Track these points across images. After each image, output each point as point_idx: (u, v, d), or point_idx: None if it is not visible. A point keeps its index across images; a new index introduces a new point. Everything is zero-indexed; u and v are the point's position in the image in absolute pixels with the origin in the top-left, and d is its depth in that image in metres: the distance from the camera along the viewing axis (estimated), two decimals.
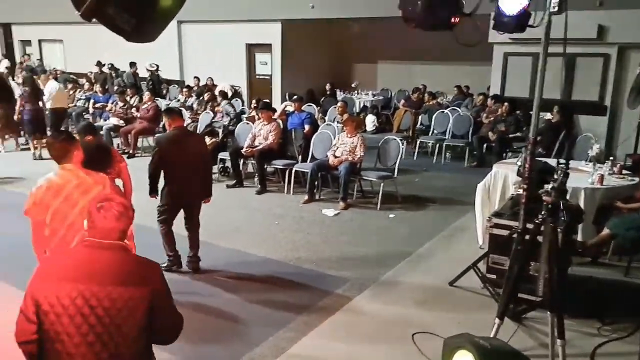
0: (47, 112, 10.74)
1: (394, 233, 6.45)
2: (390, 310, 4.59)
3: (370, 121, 12.62)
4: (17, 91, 10.78)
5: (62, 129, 8.74)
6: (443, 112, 10.85)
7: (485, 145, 9.81)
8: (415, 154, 10.49)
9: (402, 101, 12.44)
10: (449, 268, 5.16)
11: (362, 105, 13.68)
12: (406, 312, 4.54)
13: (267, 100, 11.03)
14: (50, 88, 11.02)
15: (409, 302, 4.72)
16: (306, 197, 7.55)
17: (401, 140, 7.93)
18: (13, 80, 13.29)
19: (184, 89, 13.19)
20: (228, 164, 8.68)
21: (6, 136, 10.89)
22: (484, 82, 12.48)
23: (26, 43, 20.32)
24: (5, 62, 18.38)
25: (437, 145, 10.33)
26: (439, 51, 13.08)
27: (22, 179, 8.41)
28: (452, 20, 3.76)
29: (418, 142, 10.69)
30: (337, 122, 9.29)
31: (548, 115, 9.09)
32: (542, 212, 3.63)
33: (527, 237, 3.84)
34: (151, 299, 2.15)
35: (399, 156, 7.63)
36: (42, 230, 3.33)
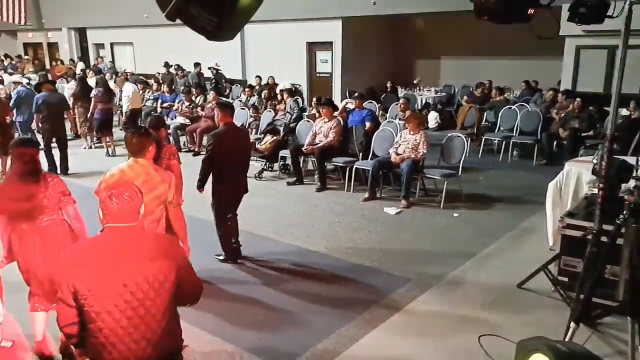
0: (126, 112, 11.26)
1: (458, 232, 6.27)
2: (455, 310, 4.46)
3: (433, 118, 12.36)
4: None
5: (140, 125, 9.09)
6: (510, 108, 10.45)
7: (555, 143, 9.38)
8: (480, 151, 10.17)
9: (465, 97, 12.11)
10: (517, 269, 4.96)
11: (424, 102, 13.44)
12: (471, 313, 4.39)
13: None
14: (127, 90, 11.55)
15: (474, 303, 4.57)
16: (367, 194, 7.48)
17: (466, 137, 7.71)
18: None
19: (246, 89, 13.42)
20: (288, 161, 8.74)
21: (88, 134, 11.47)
22: (554, 77, 11.95)
23: (99, 46, 21.35)
24: (81, 65, 19.41)
25: (504, 142, 9.97)
26: (506, 45, 12.69)
27: (94, 174, 8.86)
28: (529, 12, 3.60)
29: (483, 139, 10.36)
30: (399, 119, 9.16)
31: (624, 111, 8.57)
32: (624, 213, 3.40)
33: (603, 238, 3.62)
34: (177, 270, 2.33)
35: (464, 154, 7.41)
36: None
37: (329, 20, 14.07)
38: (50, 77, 13.89)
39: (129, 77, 15.45)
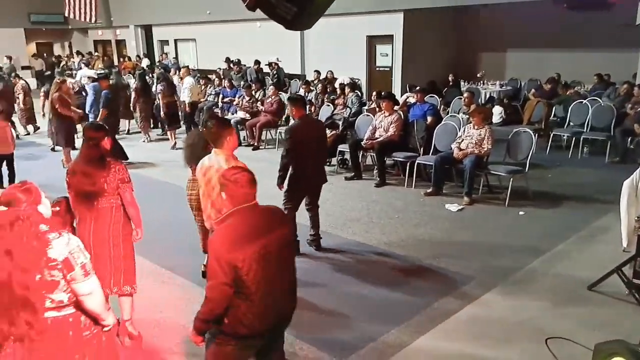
0: (187, 103, 11.58)
1: (524, 231, 6.02)
2: (521, 311, 4.27)
3: (497, 112, 11.94)
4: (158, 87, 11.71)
5: (220, 116, 9.33)
6: (581, 102, 9.93)
7: (629, 139, 8.84)
8: (548, 148, 9.71)
9: (533, 91, 11.61)
10: (588, 271, 4.71)
11: (488, 96, 13.02)
12: (539, 315, 4.20)
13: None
14: (187, 83, 11.88)
15: (541, 304, 4.37)
16: (430, 189, 7.32)
17: (533, 132, 7.39)
18: (151, 77, 14.42)
19: (303, 85, 13.45)
20: (347, 156, 8.68)
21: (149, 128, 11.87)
22: (628, 70, 11.27)
23: (164, 43, 22.04)
24: (146, 61, 20.11)
25: (574, 138, 9.48)
26: (577, 37, 12.09)
27: (156, 165, 9.20)
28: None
29: (551, 135, 9.90)
30: (463, 113, 8.89)
31: None
32: None
33: None
34: (292, 233, 2.93)
35: (531, 150, 7.10)
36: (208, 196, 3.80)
37: (391, 13, 13.87)
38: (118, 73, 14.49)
39: (191, 72, 15.87)
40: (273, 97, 11.08)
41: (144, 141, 11.65)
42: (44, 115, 10.23)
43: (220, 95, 13.55)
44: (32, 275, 2.21)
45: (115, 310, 2.73)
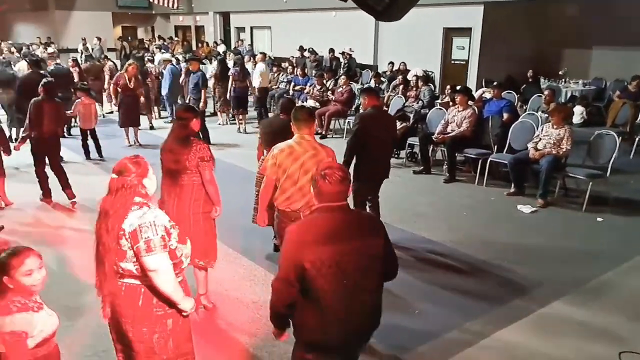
0: (257, 88, 11.84)
1: (601, 238, 5.71)
2: (593, 321, 4.08)
3: (579, 113, 11.33)
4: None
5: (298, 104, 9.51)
6: None
7: None
8: (633, 152, 9.12)
9: (618, 92, 10.93)
10: None
11: (569, 95, 12.39)
12: (612, 326, 4.00)
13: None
14: (259, 68, 12.12)
15: (616, 315, 4.15)
16: (512, 189, 7.08)
17: (617, 135, 6.96)
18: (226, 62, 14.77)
19: (374, 76, 13.33)
20: (416, 149, 8.54)
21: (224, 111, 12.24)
22: None
23: (240, 30, 22.49)
24: (222, 47, 20.60)
25: None
26: None
27: (225, 148, 9.48)
28: None
29: (637, 139, 9.29)
30: (541, 111, 8.52)
31: None
32: None
33: None
34: (384, 246, 2.47)
35: (614, 153, 6.70)
36: (272, 187, 3.81)
37: (471, 5, 13.45)
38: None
39: (265, 58, 16.12)
40: (344, 86, 11.07)
41: (219, 123, 12.03)
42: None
43: (292, 83, 13.71)
44: (112, 240, 2.37)
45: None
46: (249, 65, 13.71)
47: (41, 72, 9.11)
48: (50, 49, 16.75)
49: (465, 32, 14.06)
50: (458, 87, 8.83)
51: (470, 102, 8.20)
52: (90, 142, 8.74)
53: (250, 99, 12.28)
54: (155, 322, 2.49)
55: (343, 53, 15.55)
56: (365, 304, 2.45)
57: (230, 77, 11.32)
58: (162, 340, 2.52)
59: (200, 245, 3.82)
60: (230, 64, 12.56)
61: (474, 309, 4.25)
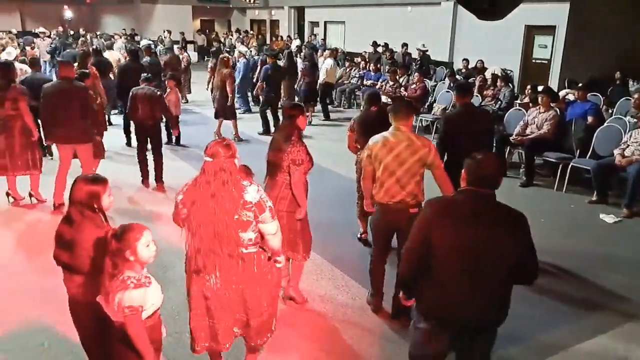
0: (321, 83, 11.93)
1: None
2: None
3: None
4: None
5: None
6: None
7: None
8: None
9: None
10: None
11: None
12: None
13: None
14: (327, 64, 12.16)
15: None
16: (594, 197, 6.71)
17: None
18: (297, 57, 14.90)
19: (449, 75, 12.99)
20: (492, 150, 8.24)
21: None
22: None
23: (314, 24, 22.63)
24: (296, 42, 20.81)
25: None
26: None
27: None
28: None
29: None
30: (630, 116, 7.98)
31: None
32: None
33: None
34: (520, 248, 2.43)
35: None
36: (371, 177, 3.89)
37: (556, 2, 12.82)
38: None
39: (338, 54, 16.13)
40: (418, 83, 10.88)
41: None
42: (211, 90, 11.02)
43: (364, 79, 13.62)
44: (231, 215, 2.68)
45: None
46: (320, 60, 13.81)
47: (139, 62, 9.80)
48: (144, 42, 17.54)
49: (549, 30, 13.42)
50: (540, 88, 8.44)
51: (552, 104, 7.81)
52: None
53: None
54: (262, 279, 2.89)
55: (418, 49, 15.26)
56: (488, 292, 2.45)
57: (301, 71, 11.44)
58: (269, 295, 2.96)
59: (284, 241, 3.93)
60: (299, 59, 12.69)
61: (566, 314, 4.17)
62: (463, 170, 2.52)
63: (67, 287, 2.84)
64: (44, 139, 6.35)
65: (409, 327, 3.00)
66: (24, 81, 7.08)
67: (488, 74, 11.97)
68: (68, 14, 26.35)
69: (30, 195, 6.19)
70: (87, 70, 7.38)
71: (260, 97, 10.67)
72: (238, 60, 13.03)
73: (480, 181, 2.44)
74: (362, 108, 5.51)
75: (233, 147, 2.76)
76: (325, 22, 21.92)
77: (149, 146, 6.94)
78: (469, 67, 13.75)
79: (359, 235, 5.40)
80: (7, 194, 6.14)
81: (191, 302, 2.89)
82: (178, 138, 9.08)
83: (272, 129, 9.99)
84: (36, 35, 17.74)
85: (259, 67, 11.89)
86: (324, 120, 11.78)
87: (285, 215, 3.90)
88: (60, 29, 21.27)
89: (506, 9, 2.35)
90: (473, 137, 4.90)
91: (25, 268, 4.71)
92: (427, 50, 15.14)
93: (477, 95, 10.09)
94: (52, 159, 7.30)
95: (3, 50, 13.31)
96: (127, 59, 10.37)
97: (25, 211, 6.05)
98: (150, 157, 6.93)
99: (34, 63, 8.27)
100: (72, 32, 21.25)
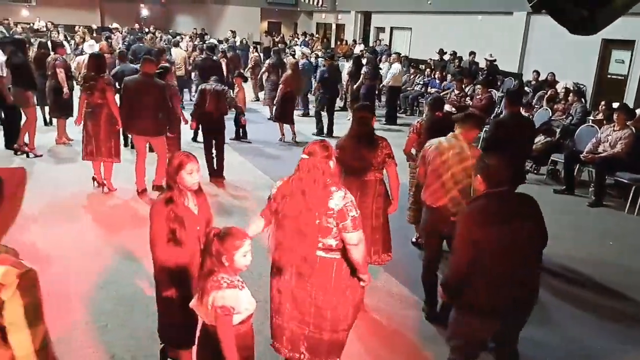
0: (385, 87, 11.91)
1: None
2: None
3: None
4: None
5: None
6: None
7: None
8: None
9: None
10: None
11: None
12: None
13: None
14: (394, 68, 12.09)
15: None
16: None
17: None
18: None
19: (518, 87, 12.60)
20: (560, 167, 7.93)
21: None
22: None
23: (380, 30, 22.55)
24: (360, 46, 20.79)
25: None
26: None
27: None
28: None
29: None
30: None
31: None
32: None
33: None
34: (539, 228, 2.78)
35: None
36: (422, 178, 3.99)
37: (637, 16, 12.14)
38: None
39: (401, 60, 15.99)
40: (483, 93, 10.60)
41: (348, 119, 12.18)
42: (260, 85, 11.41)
43: (428, 86, 13.43)
44: (313, 216, 2.67)
45: None
46: (384, 65, 13.73)
47: (214, 58, 10.47)
48: (211, 41, 18.13)
49: (627, 44, 12.75)
50: (615, 104, 8.03)
51: (627, 122, 7.41)
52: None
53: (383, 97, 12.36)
54: (341, 293, 2.82)
55: (486, 59, 14.89)
56: (523, 277, 2.72)
57: (362, 75, 11.47)
58: (344, 309, 2.85)
59: (379, 240, 4.06)
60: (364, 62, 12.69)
61: (629, 335, 4.00)
62: (480, 176, 2.78)
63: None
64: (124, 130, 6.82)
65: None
66: (115, 73, 7.57)
67: (559, 87, 11.54)
68: (144, 12, 27.50)
69: (100, 184, 6.52)
70: (168, 65, 7.74)
71: (316, 99, 10.92)
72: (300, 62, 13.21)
73: (499, 184, 2.73)
74: (424, 114, 5.46)
75: (330, 149, 2.79)
76: (392, 28, 21.78)
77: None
78: (539, 79, 13.28)
79: (413, 239, 5.40)
80: (93, 179, 6.56)
81: (271, 297, 2.92)
82: (245, 134, 9.38)
83: (326, 131, 10.30)
84: (110, 31, 18.69)
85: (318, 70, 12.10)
86: (385, 124, 11.77)
87: (381, 213, 4.04)
88: (137, 26, 22.22)
89: (604, 22, 2.24)
90: (517, 144, 5.11)
91: (103, 250, 4.93)
92: (494, 60, 14.75)
93: (546, 109, 9.74)
94: (129, 149, 7.78)
95: (83, 42, 14.14)
96: (204, 55, 10.88)
97: (108, 196, 6.41)
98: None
99: (123, 55, 8.75)
100: (146, 30, 22.16)
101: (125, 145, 7.90)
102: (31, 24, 21.78)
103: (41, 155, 7.75)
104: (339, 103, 13.12)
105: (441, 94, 12.12)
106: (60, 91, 8.24)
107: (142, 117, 6.11)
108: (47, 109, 9.20)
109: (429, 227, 3.98)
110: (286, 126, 9.79)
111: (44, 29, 20.40)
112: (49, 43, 10.23)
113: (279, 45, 19.04)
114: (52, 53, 9.09)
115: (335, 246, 2.73)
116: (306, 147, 2.79)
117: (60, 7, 24.69)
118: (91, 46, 12.13)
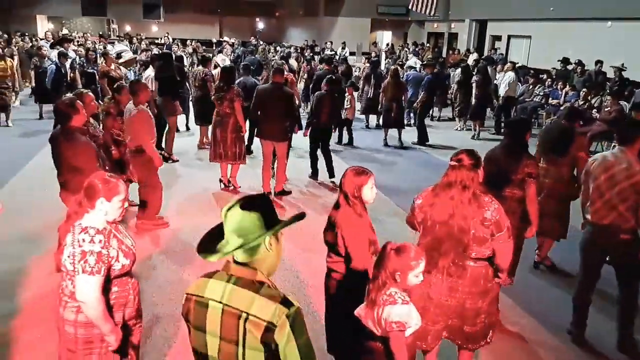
0: (502, 97, 11.47)
1: None
2: None
3: None
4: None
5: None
6: None
7: None
8: None
9: None
10: None
11: None
12: None
13: None
14: (508, 77, 11.55)
15: None
16: None
17: None
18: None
19: None
20: None
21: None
22: None
23: (496, 38, 21.65)
24: (474, 55, 20.05)
25: None
26: None
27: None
28: None
29: None
30: None
31: None
32: None
33: None
34: None
35: None
36: (586, 194, 3.82)
37: None
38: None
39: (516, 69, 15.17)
40: (613, 105, 9.73)
41: (456, 129, 11.95)
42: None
43: (549, 97, 12.63)
44: (468, 223, 2.75)
45: None
46: (499, 75, 13.11)
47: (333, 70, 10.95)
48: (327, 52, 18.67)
49: None
50: None
51: None
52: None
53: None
54: (485, 295, 2.93)
55: (619, 67, 13.66)
56: None
57: (474, 84, 11.16)
58: (488, 307, 2.96)
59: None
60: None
61: None
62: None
63: (327, 262, 3.13)
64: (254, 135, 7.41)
65: None
66: (238, 84, 8.21)
67: None
68: (260, 25, 28.80)
69: (228, 182, 7.15)
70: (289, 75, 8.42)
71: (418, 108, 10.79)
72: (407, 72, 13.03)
73: None
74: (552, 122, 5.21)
75: (477, 157, 2.85)
76: (509, 36, 20.83)
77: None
78: None
79: (536, 259, 5.19)
80: (220, 180, 7.17)
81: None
82: (350, 140, 9.89)
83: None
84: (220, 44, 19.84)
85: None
86: (493, 133, 11.37)
87: (514, 232, 3.88)
88: (253, 39, 23.28)
89: None
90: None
91: None
92: (625, 70, 13.50)
93: None
94: (252, 155, 8.43)
95: (215, 54, 15.16)
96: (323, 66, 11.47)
97: (233, 196, 6.80)
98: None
99: (246, 68, 9.36)
100: (261, 43, 23.14)
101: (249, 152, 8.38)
102: (158, 39, 23.70)
103: (178, 160, 8.50)
104: (448, 113, 12.82)
105: (562, 107, 11.37)
106: (206, 101, 8.82)
107: (269, 123, 6.61)
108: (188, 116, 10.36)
109: (590, 245, 3.75)
110: (391, 132, 10.06)
111: (162, 43, 22.29)
112: (195, 57, 11.32)
113: (381, 56, 19.06)
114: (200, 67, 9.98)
115: (487, 255, 2.85)
116: (455, 155, 2.86)
117: (185, 23, 26.64)
118: (223, 60, 12.90)
